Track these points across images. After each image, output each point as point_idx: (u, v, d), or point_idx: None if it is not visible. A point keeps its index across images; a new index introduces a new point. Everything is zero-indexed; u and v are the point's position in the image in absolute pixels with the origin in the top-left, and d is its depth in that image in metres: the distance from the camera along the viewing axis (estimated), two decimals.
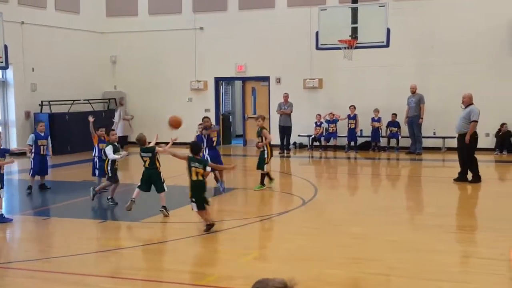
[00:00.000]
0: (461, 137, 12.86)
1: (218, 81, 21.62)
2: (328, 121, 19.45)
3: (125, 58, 22.18)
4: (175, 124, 10.21)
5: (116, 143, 11.06)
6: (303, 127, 19.69)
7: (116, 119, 20.58)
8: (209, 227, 8.80)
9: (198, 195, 8.78)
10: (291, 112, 18.95)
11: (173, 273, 6.97)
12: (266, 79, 20.80)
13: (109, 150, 10.71)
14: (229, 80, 22.93)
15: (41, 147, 12.28)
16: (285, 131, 18.92)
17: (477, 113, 12.63)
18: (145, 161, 10.00)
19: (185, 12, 21.46)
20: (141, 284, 6.86)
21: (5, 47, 11.23)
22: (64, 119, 19.14)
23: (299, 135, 19.91)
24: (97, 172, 11.91)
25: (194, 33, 21.25)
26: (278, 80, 20.57)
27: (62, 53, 20.35)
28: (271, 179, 12.43)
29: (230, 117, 23.22)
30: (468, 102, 12.85)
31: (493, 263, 7.20)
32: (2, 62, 11.01)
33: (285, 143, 18.90)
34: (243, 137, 21.89)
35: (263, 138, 12.27)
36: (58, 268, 7.26)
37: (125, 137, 20.36)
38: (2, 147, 10.48)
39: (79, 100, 20.46)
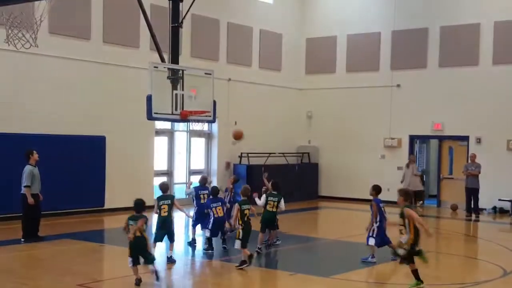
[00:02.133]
0: None
1: (413, 139, 21.16)
2: None
3: (321, 114, 22.73)
4: (237, 135, 12.41)
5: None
6: (506, 191, 18.33)
7: (405, 174, 19.30)
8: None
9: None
10: (479, 173, 17.78)
11: None
12: (465, 138, 19.87)
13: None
14: (425, 139, 22.30)
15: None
16: (472, 193, 17.89)
17: None
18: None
19: (382, 70, 21.52)
20: None
21: (214, 102, 12.17)
22: (260, 171, 19.98)
23: (499, 200, 18.56)
24: None
25: (390, 90, 21.18)
26: (479, 140, 19.50)
27: (262, 107, 21.51)
28: (419, 280, 8.78)
29: (424, 176, 22.45)
30: None
31: None
32: (210, 116, 11.93)
33: (472, 206, 17.81)
34: (437, 198, 20.98)
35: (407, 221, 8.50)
36: None
37: (419, 191, 18.86)
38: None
39: (275, 153, 21.33)
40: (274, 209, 11.43)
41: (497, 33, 19.26)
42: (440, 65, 20.35)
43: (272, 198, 11.50)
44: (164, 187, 10.97)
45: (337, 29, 22.34)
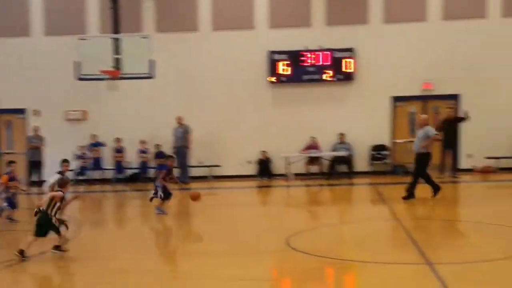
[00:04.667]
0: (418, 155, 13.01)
1: None
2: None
3: None
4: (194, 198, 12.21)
5: None
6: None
7: None
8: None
9: None
10: (43, 146, 18.27)
11: None
12: (23, 111, 19.29)
13: None
14: None
15: None
16: (35, 165, 18.20)
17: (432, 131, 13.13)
18: None
19: None
20: None
21: None
22: None
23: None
24: None
25: None
26: (37, 113, 19.23)
27: None
28: None
29: None
30: (423, 124, 13.19)
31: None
32: None
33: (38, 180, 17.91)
34: None
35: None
36: None
37: None
38: None
39: None
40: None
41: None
42: None
43: None
44: None
45: None
